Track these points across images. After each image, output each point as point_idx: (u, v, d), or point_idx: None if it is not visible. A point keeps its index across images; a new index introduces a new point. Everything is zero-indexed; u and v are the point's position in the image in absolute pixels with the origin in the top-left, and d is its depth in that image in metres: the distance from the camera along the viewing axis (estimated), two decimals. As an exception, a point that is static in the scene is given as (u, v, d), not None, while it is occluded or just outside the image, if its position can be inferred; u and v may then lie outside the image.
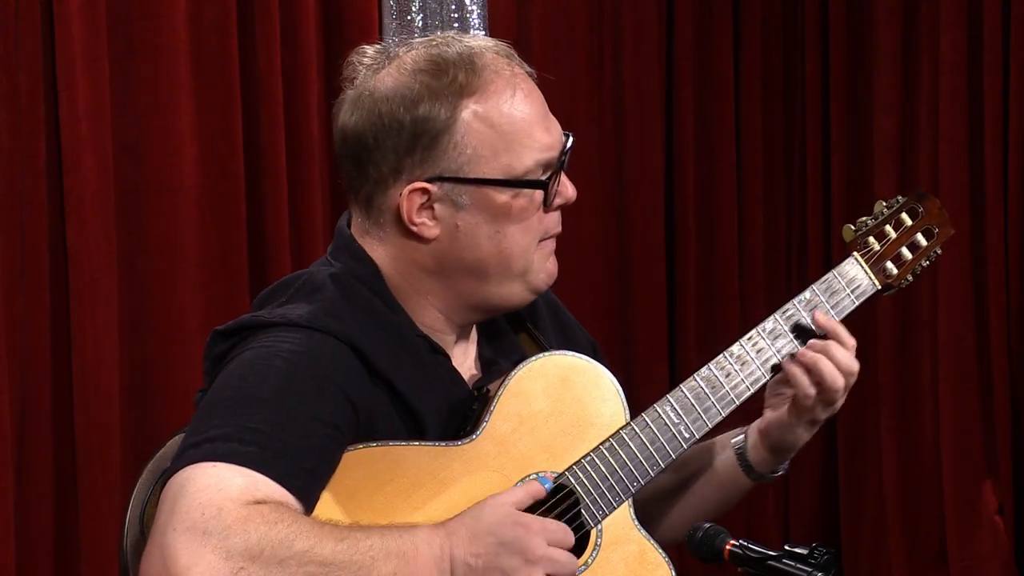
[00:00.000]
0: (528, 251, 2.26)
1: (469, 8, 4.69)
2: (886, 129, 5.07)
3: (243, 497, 2.00)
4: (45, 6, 4.00)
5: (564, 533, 2.14)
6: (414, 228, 2.23)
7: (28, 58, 3.98)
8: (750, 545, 2.16)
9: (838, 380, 2.34)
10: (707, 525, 2.20)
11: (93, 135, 4.04)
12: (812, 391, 2.33)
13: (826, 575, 2.11)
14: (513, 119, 2.23)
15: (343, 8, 4.48)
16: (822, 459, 5.25)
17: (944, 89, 4.95)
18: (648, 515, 2.41)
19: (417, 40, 2.29)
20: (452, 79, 2.21)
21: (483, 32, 4.69)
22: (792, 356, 2.35)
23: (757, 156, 5.28)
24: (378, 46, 2.29)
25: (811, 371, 2.33)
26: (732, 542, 2.17)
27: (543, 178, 2.24)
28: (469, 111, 2.21)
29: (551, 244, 2.30)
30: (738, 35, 5.27)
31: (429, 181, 2.21)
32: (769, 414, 2.41)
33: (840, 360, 2.34)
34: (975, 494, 4.97)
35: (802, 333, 2.39)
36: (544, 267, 2.29)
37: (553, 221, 2.29)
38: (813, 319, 2.37)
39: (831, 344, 2.34)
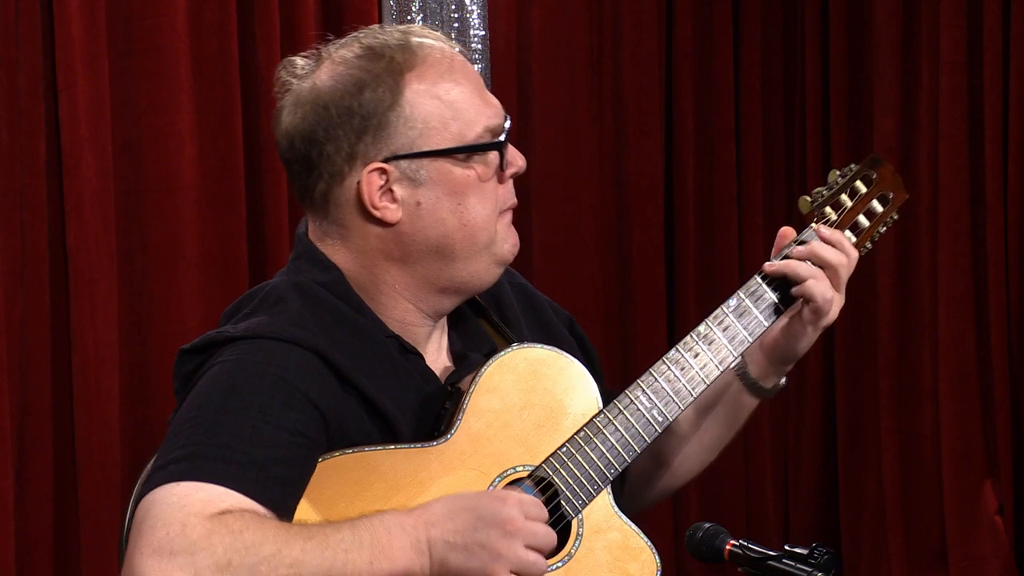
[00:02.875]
0: (490, 221, 2.26)
1: (469, 8, 4.69)
2: (886, 129, 5.07)
3: (206, 511, 1.99)
4: (45, 6, 4.01)
5: (538, 507, 2.14)
6: (376, 213, 2.22)
7: (28, 58, 3.98)
8: (750, 545, 2.16)
9: (842, 260, 2.37)
10: (707, 525, 2.20)
11: (93, 135, 4.04)
12: (830, 291, 2.36)
13: (826, 575, 2.11)
14: (456, 88, 2.24)
15: (343, 8, 4.48)
16: (822, 459, 5.25)
17: (944, 89, 4.95)
18: (657, 457, 2.45)
19: (342, 39, 2.30)
20: (390, 59, 2.23)
21: (483, 32, 4.70)
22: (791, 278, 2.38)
23: (757, 156, 5.28)
24: (305, 54, 2.30)
25: (820, 266, 2.36)
26: (732, 542, 2.17)
27: (496, 140, 2.26)
28: (412, 87, 2.22)
29: (510, 215, 2.30)
30: (738, 35, 5.27)
31: (385, 161, 2.22)
32: (774, 332, 2.40)
33: (827, 255, 2.38)
34: (975, 494, 4.97)
35: (767, 307, 2.39)
36: (507, 238, 2.29)
37: (509, 192, 2.30)
38: (762, 270, 2.39)
39: (812, 247, 2.38)
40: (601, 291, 5.06)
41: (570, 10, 5.00)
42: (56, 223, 4.03)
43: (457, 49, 2.30)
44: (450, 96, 2.23)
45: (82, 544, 4.04)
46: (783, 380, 2.47)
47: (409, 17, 4.61)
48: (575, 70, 4.99)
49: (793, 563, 2.12)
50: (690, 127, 5.19)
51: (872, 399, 5.10)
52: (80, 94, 4.01)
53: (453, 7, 4.67)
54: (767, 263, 2.40)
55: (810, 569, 2.11)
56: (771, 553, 2.14)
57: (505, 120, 2.28)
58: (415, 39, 2.25)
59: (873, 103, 5.10)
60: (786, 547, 2.14)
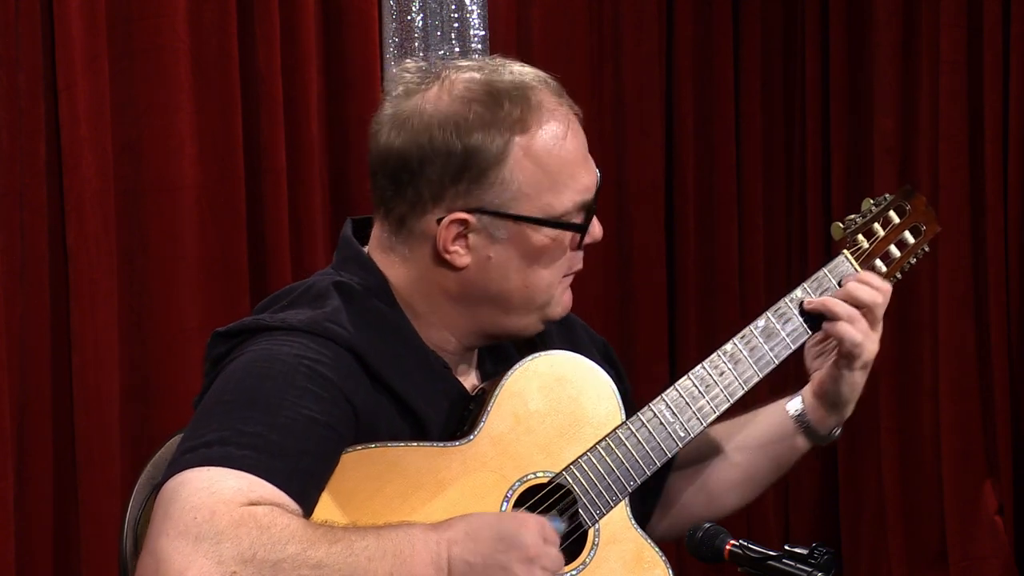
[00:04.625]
0: (552, 286, 2.28)
1: (469, 8, 4.69)
2: (886, 129, 5.07)
3: (236, 500, 1.99)
4: (45, 6, 4.01)
5: (555, 533, 2.15)
6: (446, 256, 2.23)
7: (28, 58, 3.98)
8: (750, 545, 2.16)
9: (877, 298, 2.39)
10: (707, 525, 2.20)
11: (93, 135, 4.04)
12: (859, 337, 2.38)
13: (826, 575, 2.11)
14: (561, 160, 2.24)
15: (343, 8, 4.48)
16: (822, 459, 5.25)
17: (944, 89, 4.95)
18: (700, 486, 2.48)
19: (465, 63, 2.27)
20: (507, 113, 2.21)
21: (483, 32, 4.70)
22: (825, 319, 2.41)
23: (757, 156, 5.28)
24: (422, 64, 2.28)
25: (850, 318, 2.39)
26: (732, 542, 2.17)
27: (580, 221, 2.26)
28: (520, 148, 2.21)
29: (571, 279, 2.32)
30: (738, 35, 5.27)
31: (470, 212, 2.21)
32: (819, 375, 2.45)
33: (862, 295, 2.40)
34: (975, 494, 4.97)
35: (794, 330, 2.40)
36: (561, 301, 2.31)
37: (578, 259, 2.31)
38: (802, 308, 2.41)
39: (848, 288, 2.41)
40: (601, 291, 5.06)
41: (570, 10, 5.00)
42: (56, 223, 4.03)
43: (575, 109, 2.30)
44: (552, 166, 2.23)
45: (82, 544, 4.04)
46: (838, 430, 2.49)
47: (409, 17, 4.61)
48: (575, 70, 4.98)
49: (793, 563, 2.12)
50: (690, 127, 5.19)
51: (872, 399, 5.10)
52: (80, 94, 4.01)
53: (453, 7, 4.67)
54: (807, 300, 2.41)
55: (810, 569, 2.11)
56: (771, 553, 2.13)
57: (596, 189, 2.28)
58: (535, 96, 2.23)
59: (873, 103, 5.10)
60: (786, 547, 2.14)
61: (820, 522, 5.25)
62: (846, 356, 2.40)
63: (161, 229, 4.18)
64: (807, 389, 2.47)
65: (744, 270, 5.26)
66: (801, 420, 2.46)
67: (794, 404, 2.47)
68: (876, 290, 2.41)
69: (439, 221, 2.21)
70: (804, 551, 2.12)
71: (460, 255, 2.23)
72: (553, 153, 2.23)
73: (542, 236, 2.24)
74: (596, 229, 2.30)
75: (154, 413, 4.14)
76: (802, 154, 5.28)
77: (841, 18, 5.16)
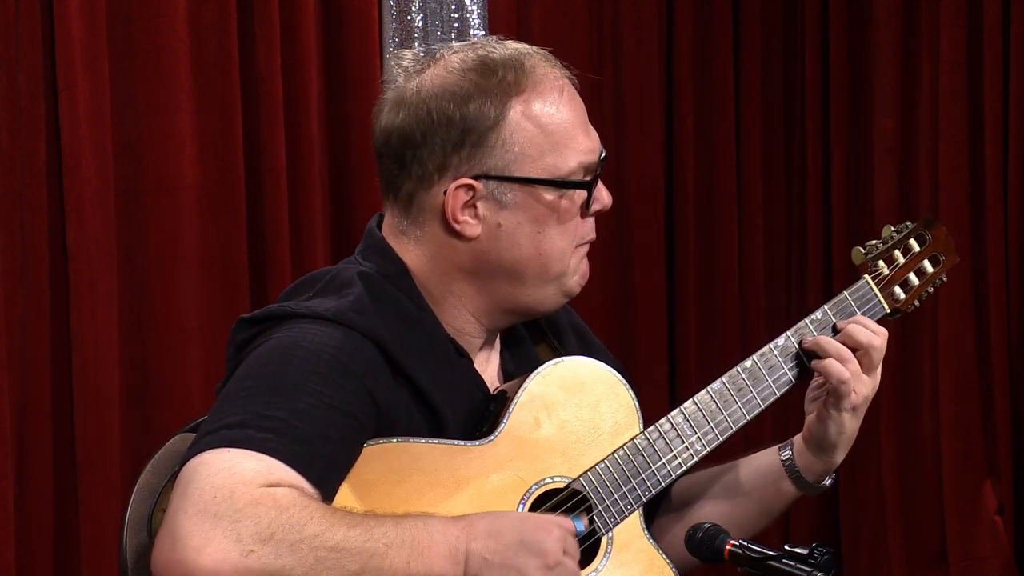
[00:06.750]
0: (565, 254, 2.29)
1: (469, 8, 4.69)
2: (886, 129, 5.07)
3: (256, 481, 2.00)
4: (45, 6, 4.01)
5: (575, 545, 2.16)
6: (456, 226, 2.24)
7: (28, 58, 3.98)
8: (750, 545, 2.16)
9: (874, 340, 2.37)
10: (707, 525, 2.20)
11: (93, 135, 4.04)
12: (845, 374, 2.36)
13: (826, 575, 2.11)
14: (560, 120, 2.26)
15: (343, 8, 4.48)
16: (822, 459, 5.24)
17: (944, 89, 4.95)
18: (686, 526, 2.44)
19: (458, 44, 2.31)
20: (502, 78, 2.24)
21: (483, 32, 4.70)
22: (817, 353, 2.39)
23: (757, 156, 5.28)
24: (417, 50, 2.32)
25: (840, 357, 2.37)
26: (732, 542, 2.17)
27: (586, 179, 2.27)
28: (518, 110, 2.24)
29: (586, 249, 2.33)
30: (738, 35, 5.27)
31: (475, 178, 2.23)
32: (810, 417, 2.43)
33: (858, 336, 2.38)
34: (975, 494, 4.97)
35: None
36: (578, 270, 2.33)
37: (589, 227, 2.32)
38: (801, 346, 2.40)
39: (846, 330, 2.39)
40: (601, 291, 5.06)
41: (570, 10, 5.00)
42: (56, 223, 4.03)
43: (569, 73, 2.33)
44: (551, 126, 2.25)
45: (82, 544, 4.04)
46: (828, 481, 2.47)
47: (408, 17, 4.61)
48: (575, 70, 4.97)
49: (793, 563, 2.12)
50: (690, 127, 5.19)
51: (872, 399, 5.09)
52: (80, 94, 4.01)
53: (453, 7, 4.67)
54: (807, 338, 2.40)
55: (810, 569, 2.11)
56: (771, 553, 2.13)
57: (600, 156, 2.29)
58: (529, 61, 2.27)
59: (873, 103, 5.10)
60: (786, 547, 2.14)
61: (820, 522, 5.25)
62: (833, 394, 2.38)
63: (161, 229, 4.18)
64: (799, 435, 2.46)
65: (744, 270, 5.26)
66: (789, 464, 2.45)
67: (785, 448, 2.46)
68: (873, 333, 2.39)
69: (446, 192, 2.23)
70: (804, 551, 2.12)
71: (470, 224, 2.24)
72: (550, 113, 2.26)
73: (549, 198, 2.25)
74: (604, 195, 2.31)
75: (154, 413, 4.14)
76: (802, 154, 5.28)
77: (841, 18, 5.16)
